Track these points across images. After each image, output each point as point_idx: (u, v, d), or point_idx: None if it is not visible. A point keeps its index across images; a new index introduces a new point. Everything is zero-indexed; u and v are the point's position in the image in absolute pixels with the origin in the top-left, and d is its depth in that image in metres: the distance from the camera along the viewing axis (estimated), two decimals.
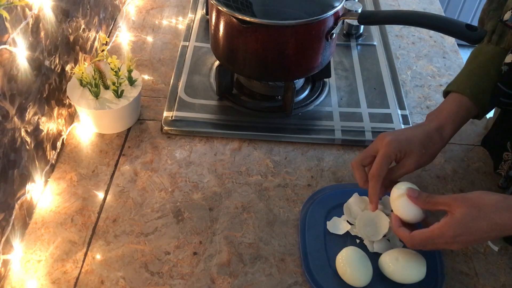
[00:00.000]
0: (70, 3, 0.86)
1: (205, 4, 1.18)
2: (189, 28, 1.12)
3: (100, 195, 0.79)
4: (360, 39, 1.12)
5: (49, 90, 0.80)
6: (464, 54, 0.89)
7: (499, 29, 0.75)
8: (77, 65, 0.91)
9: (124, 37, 1.09)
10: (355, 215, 0.74)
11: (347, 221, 0.74)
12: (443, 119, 0.72)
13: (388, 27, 1.17)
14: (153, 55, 1.06)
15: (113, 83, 0.83)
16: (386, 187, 0.70)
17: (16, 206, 0.70)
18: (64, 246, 0.72)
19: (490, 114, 0.90)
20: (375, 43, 1.11)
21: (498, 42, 0.75)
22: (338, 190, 0.79)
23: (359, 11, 1.00)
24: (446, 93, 0.77)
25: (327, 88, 0.99)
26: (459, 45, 1.14)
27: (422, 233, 0.62)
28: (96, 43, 1.01)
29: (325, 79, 1.00)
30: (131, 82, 0.87)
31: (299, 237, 0.73)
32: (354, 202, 0.76)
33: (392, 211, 0.69)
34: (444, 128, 0.71)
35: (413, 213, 0.65)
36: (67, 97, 0.86)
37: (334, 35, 0.85)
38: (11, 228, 0.69)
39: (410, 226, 0.67)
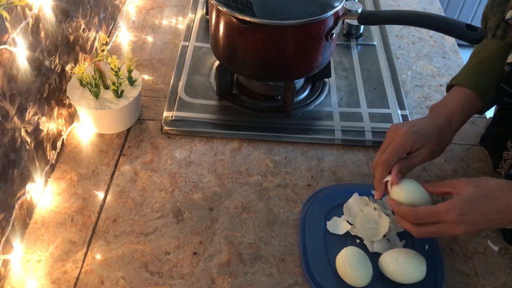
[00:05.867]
0: (70, 3, 0.86)
1: (205, 4, 1.18)
2: (189, 28, 1.12)
3: (100, 195, 0.79)
4: (360, 39, 1.12)
5: (49, 90, 0.80)
6: (464, 54, 0.89)
7: (504, 25, 0.75)
8: (77, 65, 0.91)
9: (124, 37, 1.09)
10: (355, 215, 0.74)
11: (347, 221, 0.74)
12: (450, 112, 0.71)
13: (388, 27, 1.17)
14: (153, 55, 1.06)
15: (113, 83, 0.83)
16: (403, 174, 0.68)
17: (16, 206, 0.70)
18: (64, 246, 0.72)
19: (490, 114, 0.90)
20: (375, 43, 1.11)
21: (502, 37, 0.75)
22: (338, 190, 0.79)
23: (359, 11, 1.00)
24: (449, 87, 0.76)
25: (327, 88, 0.99)
26: (459, 45, 1.14)
27: (427, 207, 0.62)
28: (96, 43, 1.01)
29: (325, 79, 1.00)
30: (131, 82, 0.87)
31: (299, 237, 0.73)
32: (354, 202, 0.76)
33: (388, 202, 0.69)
34: (452, 121, 0.71)
35: (417, 197, 0.65)
36: (67, 97, 0.86)
37: (334, 35, 0.85)
38: (11, 228, 0.69)
39: None
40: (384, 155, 0.67)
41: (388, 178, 0.68)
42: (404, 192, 0.66)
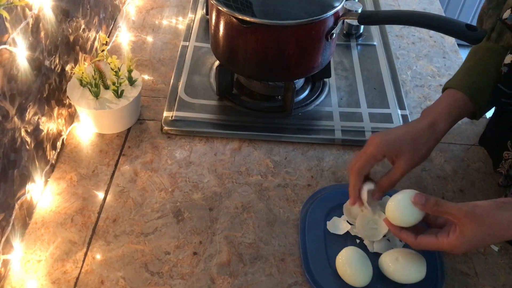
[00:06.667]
0: (70, 3, 0.86)
1: (205, 4, 1.18)
2: (189, 28, 1.12)
3: (100, 195, 0.79)
4: (360, 39, 1.12)
5: (49, 90, 0.80)
6: (464, 54, 0.89)
7: (498, 27, 0.75)
8: (77, 65, 0.91)
9: (124, 37, 1.09)
10: (355, 215, 0.74)
11: (347, 221, 0.74)
12: (436, 114, 0.71)
13: (388, 27, 1.17)
14: (153, 55, 1.06)
15: (113, 83, 0.83)
16: (384, 191, 0.69)
17: (16, 206, 0.70)
18: (64, 246, 0.72)
19: (489, 114, 0.90)
20: (375, 43, 1.11)
21: (497, 40, 0.75)
22: (338, 190, 0.79)
23: (359, 11, 1.00)
24: (444, 91, 0.76)
25: (327, 88, 0.99)
26: (459, 45, 1.14)
27: (430, 242, 0.61)
28: (96, 43, 1.01)
29: (325, 79, 1.00)
30: (131, 82, 0.87)
31: (299, 237, 0.73)
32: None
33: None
34: (437, 123, 0.70)
35: (412, 217, 0.63)
36: (67, 97, 0.86)
37: (334, 35, 0.85)
38: (11, 228, 0.69)
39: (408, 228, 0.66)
40: (357, 164, 0.69)
41: (364, 187, 0.69)
42: (397, 211, 0.64)
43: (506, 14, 0.71)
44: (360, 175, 0.68)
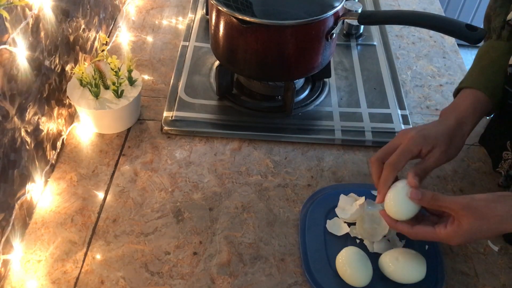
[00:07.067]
0: (70, 3, 0.86)
1: (205, 4, 1.18)
2: (189, 28, 1.12)
3: (100, 195, 0.79)
4: (360, 39, 1.13)
5: (49, 90, 0.80)
6: (464, 54, 0.89)
7: (508, 27, 0.74)
8: (77, 65, 0.91)
9: (124, 37, 1.09)
10: (352, 214, 0.73)
11: (346, 223, 0.74)
12: (462, 114, 0.69)
13: (388, 27, 1.17)
14: (153, 55, 1.06)
15: (113, 83, 0.83)
16: (420, 176, 0.65)
17: (16, 206, 0.70)
18: (64, 246, 0.72)
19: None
20: (375, 43, 1.12)
21: (509, 37, 0.74)
22: (338, 190, 0.79)
23: (359, 11, 1.00)
24: (457, 91, 0.75)
25: (327, 88, 0.99)
26: (459, 45, 1.14)
27: (427, 232, 0.62)
28: (96, 43, 1.01)
29: (325, 79, 1.00)
30: (131, 82, 0.87)
31: (299, 237, 0.73)
32: (344, 203, 0.75)
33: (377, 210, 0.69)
34: (464, 123, 0.69)
35: (409, 211, 0.64)
36: (67, 97, 0.86)
37: (334, 35, 0.85)
38: (11, 228, 0.69)
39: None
40: (392, 158, 0.66)
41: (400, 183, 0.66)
42: (395, 206, 0.64)
43: (510, 16, 0.70)
44: (395, 170, 0.65)
